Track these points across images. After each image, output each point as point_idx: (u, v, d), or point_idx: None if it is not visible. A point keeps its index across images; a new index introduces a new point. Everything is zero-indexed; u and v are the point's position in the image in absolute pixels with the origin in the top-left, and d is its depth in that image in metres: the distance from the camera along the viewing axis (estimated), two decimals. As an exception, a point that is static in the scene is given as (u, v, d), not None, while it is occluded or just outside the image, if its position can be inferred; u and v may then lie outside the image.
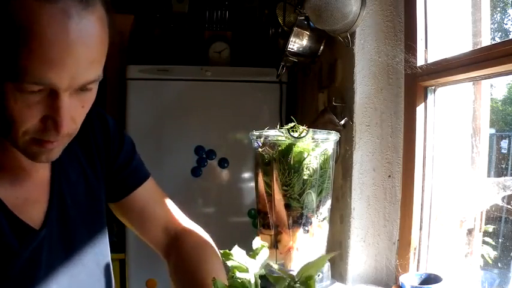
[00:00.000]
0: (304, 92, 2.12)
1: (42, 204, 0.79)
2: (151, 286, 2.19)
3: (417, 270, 1.37)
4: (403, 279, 1.25)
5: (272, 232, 1.11)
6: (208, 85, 2.31)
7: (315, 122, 1.57)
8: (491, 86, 1.33)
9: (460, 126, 1.35)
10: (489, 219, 1.27)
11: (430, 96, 1.38)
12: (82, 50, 0.63)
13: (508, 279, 1.25)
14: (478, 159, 1.30)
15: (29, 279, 0.74)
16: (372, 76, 1.46)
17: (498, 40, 1.32)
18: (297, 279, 0.66)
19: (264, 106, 2.34)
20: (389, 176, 1.47)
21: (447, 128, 1.38)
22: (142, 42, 2.61)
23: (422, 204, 1.39)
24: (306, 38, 1.65)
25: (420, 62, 1.38)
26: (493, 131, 1.34)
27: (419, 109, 1.38)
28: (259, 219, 1.18)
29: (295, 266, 1.10)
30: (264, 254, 0.69)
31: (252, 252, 0.69)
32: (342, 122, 1.48)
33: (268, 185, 1.11)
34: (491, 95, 1.33)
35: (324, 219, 1.14)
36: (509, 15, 1.37)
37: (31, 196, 0.78)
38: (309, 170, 1.06)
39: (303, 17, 1.62)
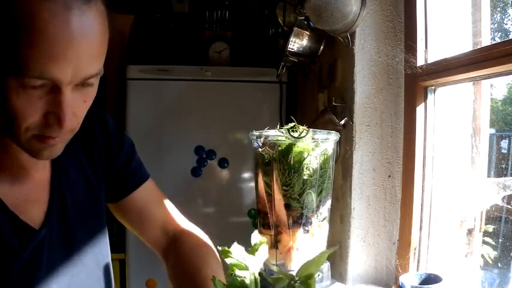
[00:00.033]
0: (304, 92, 2.12)
1: (42, 204, 0.79)
2: (151, 286, 2.19)
3: (417, 270, 1.37)
4: (403, 279, 1.25)
5: (272, 232, 1.11)
6: (208, 85, 2.31)
7: (315, 122, 1.57)
8: (491, 86, 1.33)
9: (460, 126, 1.35)
10: (489, 219, 1.27)
11: (430, 96, 1.38)
12: (84, 43, 0.63)
13: (508, 279, 1.25)
14: (478, 159, 1.30)
15: (29, 279, 0.74)
16: (372, 76, 1.46)
17: (498, 40, 1.32)
18: (297, 278, 0.65)
19: (264, 106, 2.34)
20: (389, 176, 1.47)
21: (447, 128, 1.38)
22: (142, 42, 2.61)
23: (422, 204, 1.39)
24: (306, 38, 1.65)
25: (420, 62, 1.38)
26: (493, 131, 1.34)
27: (419, 109, 1.38)
28: (259, 219, 1.18)
29: (295, 266, 1.10)
30: (264, 251, 0.69)
31: (250, 248, 0.69)
32: (342, 122, 1.48)
33: (268, 185, 1.11)
34: (491, 95, 1.33)
35: (324, 219, 1.14)
36: (509, 15, 1.37)
37: (31, 196, 0.78)
38: (309, 170, 1.06)
39: (303, 17, 1.62)
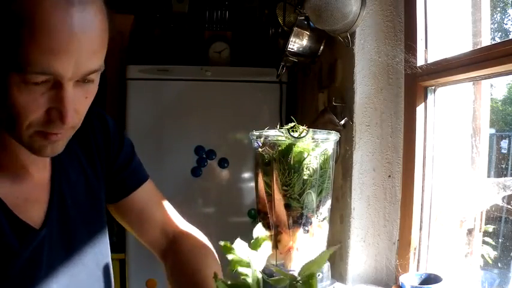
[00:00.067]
0: (304, 92, 2.12)
1: (42, 204, 0.79)
2: (151, 286, 2.20)
3: (417, 270, 1.37)
4: (403, 279, 1.25)
5: (272, 232, 1.11)
6: (208, 85, 2.31)
7: (315, 122, 1.57)
8: (491, 86, 1.33)
9: (460, 126, 1.35)
10: (489, 219, 1.27)
11: (430, 96, 1.38)
12: (85, 38, 0.64)
13: (508, 279, 1.25)
14: (478, 159, 1.30)
15: (29, 279, 0.74)
16: (372, 76, 1.46)
17: (498, 40, 1.32)
18: (298, 278, 0.65)
19: (264, 106, 2.34)
20: (389, 176, 1.47)
21: (447, 128, 1.38)
22: (142, 42, 2.61)
23: (422, 204, 1.39)
24: (306, 38, 1.65)
25: (420, 62, 1.38)
26: (493, 131, 1.34)
27: (419, 109, 1.38)
28: (259, 219, 1.18)
29: (295, 266, 1.10)
30: (267, 247, 0.69)
31: (253, 241, 0.68)
32: (342, 122, 1.48)
33: (268, 185, 1.11)
34: (491, 95, 1.33)
35: (324, 219, 1.14)
36: (509, 15, 1.37)
37: (31, 196, 0.78)
38: (309, 170, 1.06)
39: (303, 17, 1.62)
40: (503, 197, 1.16)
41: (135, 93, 2.26)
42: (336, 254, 1.53)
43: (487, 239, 1.29)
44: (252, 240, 0.69)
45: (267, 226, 1.13)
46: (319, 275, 1.13)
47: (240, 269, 0.65)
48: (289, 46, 1.64)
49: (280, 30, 1.82)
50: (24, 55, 0.60)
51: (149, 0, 2.67)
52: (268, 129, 1.10)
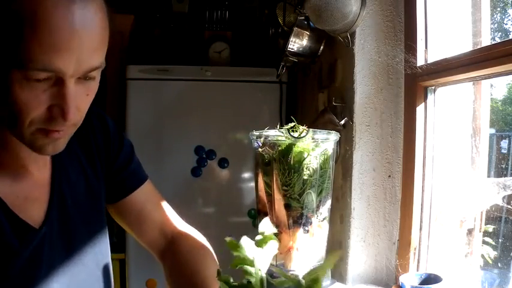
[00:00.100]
0: (304, 92, 2.12)
1: (43, 203, 0.79)
2: (151, 286, 2.20)
3: (417, 270, 1.37)
4: (403, 279, 1.25)
5: (272, 232, 1.11)
6: (208, 85, 2.31)
7: (315, 122, 1.57)
8: (491, 86, 1.33)
9: (460, 126, 1.35)
10: (489, 219, 1.27)
11: (430, 96, 1.38)
12: (86, 35, 0.64)
13: (508, 279, 1.25)
14: (478, 159, 1.30)
15: (29, 279, 0.74)
16: (372, 76, 1.46)
17: (498, 40, 1.32)
18: (303, 281, 0.65)
19: (264, 106, 2.34)
20: (389, 176, 1.47)
21: (447, 128, 1.38)
22: (142, 42, 2.61)
23: (422, 204, 1.39)
24: (306, 38, 1.65)
25: (420, 62, 1.38)
26: (493, 131, 1.34)
27: (419, 109, 1.38)
28: (259, 219, 1.18)
29: (295, 266, 1.10)
30: (273, 246, 0.68)
31: (259, 238, 0.67)
32: (342, 122, 1.48)
33: (268, 185, 1.11)
34: (491, 95, 1.33)
35: (324, 219, 1.14)
36: (509, 15, 1.37)
37: (31, 195, 0.78)
38: (309, 170, 1.06)
39: (303, 17, 1.62)
40: (503, 197, 1.16)
41: (135, 93, 2.26)
42: (336, 254, 1.53)
43: (487, 239, 1.29)
44: (258, 236, 0.68)
45: (267, 226, 1.13)
46: (319, 275, 1.13)
47: (245, 268, 0.65)
48: (289, 46, 1.64)
49: (280, 30, 1.82)
50: (26, 52, 0.61)
51: (149, 0, 2.67)
52: (268, 129, 1.10)
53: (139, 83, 2.26)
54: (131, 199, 0.95)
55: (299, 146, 1.05)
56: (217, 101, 2.31)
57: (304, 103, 2.14)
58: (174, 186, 2.24)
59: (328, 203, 1.14)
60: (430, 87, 1.38)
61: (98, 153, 0.90)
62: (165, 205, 1.00)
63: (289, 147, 1.06)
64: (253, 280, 0.65)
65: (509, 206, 1.16)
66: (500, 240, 1.28)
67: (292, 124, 1.07)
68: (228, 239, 0.66)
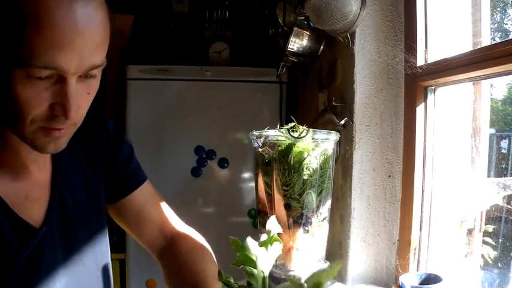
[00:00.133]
0: (304, 92, 2.12)
1: (43, 203, 0.79)
2: (151, 286, 2.20)
3: (417, 270, 1.37)
4: (403, 279, 1.25)
5: (272, 232, 1.11)
6: (208, 85, 2.31)
7: (315, 122, 1.57)
8: (491, 86, 1.33)
9: (460, 126, 1.35)
10: (489, 219, 1.27)
11: (430, 96, 1.38)
12: (87, 33, 0.65)
13: (508, 279, 1.25)
14: (478, 159, 1.30)
15: (29, 278, 0.74)
16: (372, 76, 1.46)
17: (498, 40, 1.32)
18: (305, 285, 0.65)
19: (264, 106, 2.34)
20: (389, 176, 1.47)
21: (447, 128, 1.38)
22: (142, 42, 2.61)
23: (422, 204, 1.39)
24: (306, 38, 1.65)
25: (420, 62, 1.38)
26: (493, 131, 1.34)
27: (419, 109, 1.38)
28: (259, 219, 1.18)
29: (295, 266, 1.10)
30: (277, 248, 0.68)
31: (264, 238, 0.67)
32: (342, 122, 1.48)
33: (268, 185, 1.11)
34: (491, 95, 1.33)
35: (324, 219, 1.14)
36: (509, 15, 1.37)
37: (31, 194, 0.78)
38: (309, 170, 1.06)
39: (303, 17, 1.62)
40: (503, 197, 1.16)
41: (135, 93, 2.26)
42: (336, 254, 1.53)
43: (487, 239, 1.28)
44: (264, 236, 0.68)
45: (267, 226, 1.13)
46: (319, 275, 1.13)
47: (247, 269, 0.65)
48: (289, 46, 1.64)
49: (280, 30, 1.82)
50: (28, 49, 0.61)
51: (149, 0, 2.67)
52: (268, 129, 1.11)
53: (139, 83, 2.26)
54: (130, 199, 0.95)
55: (299, 146, 1.06)
56: (217, 101, 2.31)
57: (304, 103, 2.14)
58: (174, 186, 2.24)
59: (328, 203, 1.14)
60: (430, 87, 1.38)
61: (97, 153, 0.90)
62: (164, 206, 1.01)
63: (289, 147, 1.06)
64: (255, 282, 0.65)
65: (509, 206, 1.16)
66: (500, 240, 1.28)
67: (292, 124, 1.07)
68: (232, 238, 0.66)
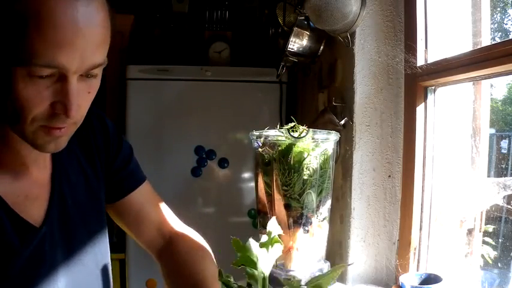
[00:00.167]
0: (304, 92, 2.12)
1: (43, 202, 0.79)
2: (151, 286, 2.20)
3: (417, 270, 1.37)
4: (403, 279, 1.25)
5: (272, 232, 1.11)
6: (208, 85, 2.31)
7: (315, 122, 1.57)
8: (491, 86, 1.33)
9: (460, 126, 1.35)
10: (489, 219, 1.27)
11: (430, 96, 1.38)
12: (89, 32, 0.65)
13: (508, 279, 1.25)
14: (478, 159, 1.30)
15: (30, 278, 0.74)
16: (372, 76, 1.46)
17: (498, 40, 1.32)
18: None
19: (264, 106, 2.34)
20: (389, 176, 1.47)
21: (447, 128, 1.38)
22: (142, 42, 2.61)
23: (422, 204, 1.39)
24: (306, 38, 1.65)
25: (420, 62, 1.38)
26: (493, 131, 1.34)
27: (419, 109, 1.38)
28: (259, 219, 1.18)
29: (295, 266, 1.10)
30: (278, 249, 0.68)
31: (265, 239, 0.67)
32: (342, 122, 1.48)
33: (268, 185, 1.11)
34: (491, 95, 1.33)
35: (324, 219, 1.14)
36: (509, 15, 1.37)
37: (31, 193, 0.78)
38: (309, 170, 1.06)
39: (303, 17, 1.62)
40: (503, 197, 1.16)
41: (135, 93, 2.26)
42: (336, 254, 1.53)
43: (487, 239, 1.28)
44: (264, 237, 0.68)
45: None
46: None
47: (247, 270, 0.65)
48: (289, 46, 1.64)
49: (280, 30, 1.82)
50: (30, 48, 0.61)
51: (149, 0, 2.67)
52: (268, 129, 1.10)
53: (139, 83, 2.26)
54: (129, 199, 0.96)
55: (299, 146, 1.05)
56: (217, 101, 2.31)
57: (304, 103, 2.14)
58: (174, 186, 2.24)
59: (328, 203, 1.14)
60: (430, 87, 1.38)
61: (97, 153, 0.90)
62: (163, 206, 1.01)
63: (289, 147, 1.06)
64: (255, 283, 0.65)
65: (509, 206, 1.16)
66: (500, 240, 1.28)
67: (292, 124, 1.07)
68: (233, 238, 0.66)
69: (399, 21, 1.46)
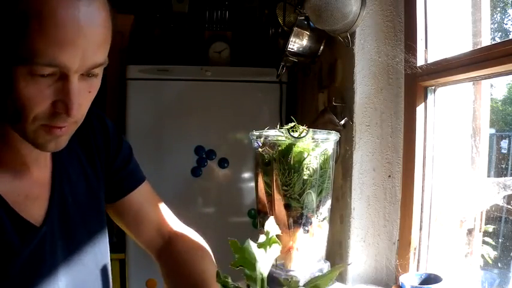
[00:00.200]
0: (304, 92, 2.12)
1: (43, 202, 0.79)
2: (151, 286, 2.20)
3: (417, 270, 1.37)
4: (403, 279, 1.25)
5: (272, 232, 1.11)
6: (208, 85, 2.31)
7: (315, 122, 1.57)
8: (491, 86, 1.33)
9: (460, 126, 1.35)
10: (489, 219, 1.27)
11: (430, 96, 1.38)
12: (91, 32, 0.65)
13: (508, 279, 1.25)
14: (478, 159, 1.30)
15: (30, 277, 0.75)
16: (372, 76, 1.46)
17: (498, 40, 1.32)
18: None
19: (264, 106, 2.34)
20: (389, 176, 1.47)
21: (447, 128, 1.38)
22: (142, 42, 2.61)
23: (422, 204, 1.39)
24: (306, 38, 1.65)
25: (420, 62, 1.38)
26: (493, 131, 1.34)
27: (419, 109, 1.38)
28: (259, 219, 1.18)
29: (295, 266, 1.10)
30: (276, 249, 0.68)
31: (263, 239, 0.67)
32: (342, 122, 1.48)
33: (268, 185, 1.11)
34: (491, 95, 1.33)
35: (324, 219, 1.14)
36: (509, 15, 1.37)
37: (31, 193, 0.78)
38: (309, 170, 1.06)
39: (303, 17, 1.62)
40: (503, 197, 1.16)
41: (135, 93, 2.26)
42: (336, 254, 1.53)
43: (487, 239, 1.28)
44: (262, 237, 0.68)
45: (267, 226, 1.13)
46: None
47: (246, 272, 0.65)
48: (289, 46, 1.64)
49: (280, 30, 1.82)
50: (32, 47, 0.62)
51: (149, 0, 2.67)
52: (268, 129, 1.10)
53: (139, 83, 2.26)
54: (129, 199, 0.96)
55: (299, 146, 1.05)
56: (217, 101, 2.31)
57: (304, 103, 2.14)
58: (174, 186, 2.24)
59: (328, 203, 1.14)
60: (430, 87, 1.38)
61: (98, 153, 0.91)
62: (163, 206, 1.01)
63: (289, 147, 1.06)
64: (253, 285, 0.64)
65: (509, 206, 1.16)
66: (500, 240, 1.28)
67: (292, 124, 1.07)
68: (230, 239, 0.66)
69: (399, 21, 1.46)
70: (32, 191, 0.78)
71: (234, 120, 2.32)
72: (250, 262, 0.65)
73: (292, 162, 1.05)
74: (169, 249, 0.96)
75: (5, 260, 0.72)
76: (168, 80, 2.28)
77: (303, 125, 1.07)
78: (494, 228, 1.28)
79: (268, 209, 1.12)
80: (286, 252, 1.10)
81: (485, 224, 1.28)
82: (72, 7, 0.63)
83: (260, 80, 2.32)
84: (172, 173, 2.27)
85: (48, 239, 0.77)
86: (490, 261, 1.27)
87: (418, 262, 1.38)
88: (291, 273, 1.09)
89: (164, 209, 1.01)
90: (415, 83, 1.39)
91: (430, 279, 1.24)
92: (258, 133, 1.11)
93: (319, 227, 1.13)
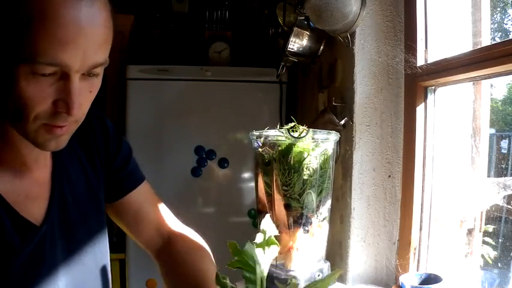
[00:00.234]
0: (304, 92, 2.12)
1: (43, 201, 0.79)
2: (151, 286, 2.20)
3: (417, 270, 1.37)
4: (403, 279, 1.25)
5: (272, 232, 1.11)
6: (208, 85, 2.31)
7: (315, 122, 1.57)
8: (491, 86, 1.33)
9: (460, 126, 1.35)
10: (489, 219, 1.27)
11: (430, 96, 1.38)
12: (92, 31, 0.66)
13: (508, 279, 1.25)
14: (478, 159, 1.30)
15: (30, 276, 0.75)
16: (372, 76, 1.46)
17: (498, 40, 1.32)
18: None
19: (264, 106, 2.34)
20: (389, 176, 1.47)
21: (447, 128, 1.38)
22: (142, 42, 2.61)
23: (422, 204, 1.39)
24: (306, 38, 1.65)
25: (420, 62, 1.38)
26: (493, 131, 1.34)
27: (419, 109, 1.38)
28: (259, 219, 1.18)
29: (295, 266, 1.10)
30: (274, 250, 0.68)
31: (261, 239, 0.67)
32: (342, 122, 1.48)
33: (268, 185, 1.11)
34: (491, 95, 1.33)
35: (324, 219, 1.14)
36: (509, 15, 1.37)
37: (32, 192, 0.78)
38: (309, 170, 1.06)
39: (303, 17, 1.62)
40: (503, 197, 1.16)
41: (135, 93, 2.26)
42: (336, 254, 1.53)
43: (487, 239, 1.28)
44: (259, 235, 0.68)
45: (267, 226, 1.13)
46: (319, 275, 1.13)
47: (244, 274, 0.65)
48: (289, 46, 1.64)
49: (280, 30, 1.82)
50: (34, 46, 0.62)
51: (149, 0, 2.67)
52: (268, 129, 1.11)
53: (139, 83, 2.26)
54: (128, 199, 0.96)
55: (299, 146, 1.06)
56: (217, 101, 2.31)
57: (304, 103, 2.14)
58: (174, 186, 2.24)
59: (328, 203, 1.14)
60: (430, 87, 1.38)
61: (97, 153, 0.91)
62: (162, 206, 1.01)
63: (289, 147, 1.06)
64: (252, 286, 0.64)
65: (509, 206, 1.16)
66: (500, 240, 1.28)
67: (292, 124, 1.07)
68: (229, 241, 0.66)
69: (399, 21, 1.46)
70: (32, 190, 0.78)
71: (234, 120, 2.32)
72: (248, 264, 0.65)
73: (292, 162, 1.05)
74: (169, 249, 0.96)
75: (5, 259, 0.72)
76: (168, 80, 2.28)
77: (303, 125, 1.07)
78: (494, 228, 1.28)
79: (268, 209, 1.12)
80: (286, 252, 1.10)
81: (485, 224, 1.28)
82: (74, 7, 0.64)
83: (260, 80, 2.32)
84: (172, 173, 2.27)
85: (48, 238, 0.77)
86: (490, 261, 1.27)
87: (418, 262, 1.38)
88: (291, 273, 1.09)
89: (164, 209, 1.01)
90: (415, 83, 1.39)
91: (430, 279, 1.24)
92: (258, 133, 1.11)
93: (319, 227, 1.13)
